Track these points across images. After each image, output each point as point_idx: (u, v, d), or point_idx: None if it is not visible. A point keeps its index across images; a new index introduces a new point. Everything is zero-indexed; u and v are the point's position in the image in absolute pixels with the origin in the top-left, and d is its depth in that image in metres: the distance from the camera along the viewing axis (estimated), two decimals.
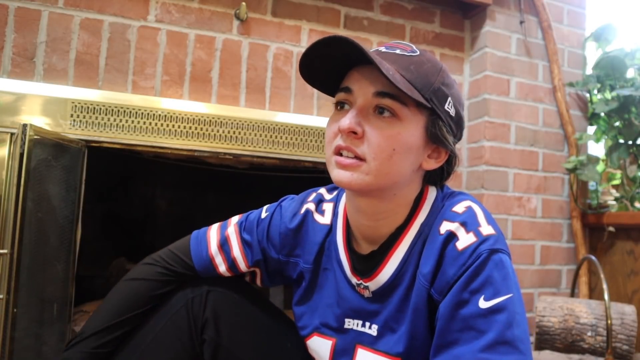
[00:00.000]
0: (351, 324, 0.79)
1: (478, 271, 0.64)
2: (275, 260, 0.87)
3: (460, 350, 0.62)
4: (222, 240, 0.88)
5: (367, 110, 0.68)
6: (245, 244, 0.88)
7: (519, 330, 0.62)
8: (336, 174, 0.69)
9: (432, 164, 0.73)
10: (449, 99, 0.71)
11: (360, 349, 0.77)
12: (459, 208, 0.71)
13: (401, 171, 0.69)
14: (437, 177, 0.76)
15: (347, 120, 0.67)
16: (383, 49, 0.72)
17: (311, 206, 0.86)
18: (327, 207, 0.86)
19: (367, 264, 0.76)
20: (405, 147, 0.68)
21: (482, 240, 0.66)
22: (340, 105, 0.72)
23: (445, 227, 0.69)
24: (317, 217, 0.85)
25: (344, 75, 0.72)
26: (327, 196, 0.88)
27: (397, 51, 0.71)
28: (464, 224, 0.68)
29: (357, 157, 0.67)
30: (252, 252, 0.87)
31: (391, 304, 0.74)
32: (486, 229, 0.67)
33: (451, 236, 0.68)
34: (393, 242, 0.74)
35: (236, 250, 0.87)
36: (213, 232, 0.90)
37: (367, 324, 0.77)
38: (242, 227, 0.89)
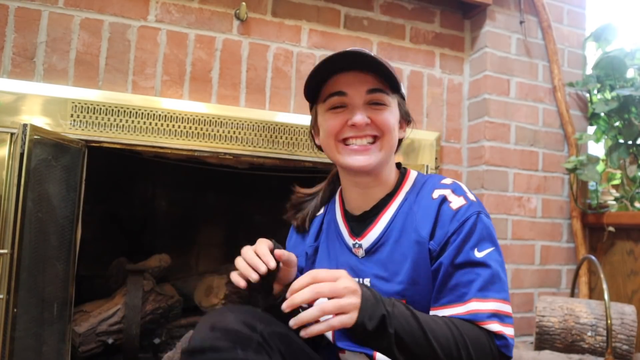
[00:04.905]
0: None
1: (472, 228, 0.81)
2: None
3: (464, 290, 0.79)
4: None
5: (364, 105, 0.87)
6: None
7: (503, 273, 0.82)
8: (351, 159, 0.86)
9: (402, 134, 0.95)
10: (402, 83, 0.91)
11: None
12: (447, 181, 0.89)
13: (396, 141, 0.91)
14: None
15: (359, 116, 0.85)
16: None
17: None
18: None
19: (361, 225, 0.92)
20: (396, 123, 0.90)
21: (470, 203, 0.84)
22: (334, 107, 0.88)
23: (438, 192, 0.86)
24: None
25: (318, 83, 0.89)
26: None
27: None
28: (454, 191, 0.86)
29: (373, 137, 0.87)
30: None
31: (381, 258, 0.89)
32: (471, 196, 0.87)
33: (445, 199, 0.85)
34: (383, 206, 0.91)
35: None
36: None
37: (360, 279, 0.90)
38: None
